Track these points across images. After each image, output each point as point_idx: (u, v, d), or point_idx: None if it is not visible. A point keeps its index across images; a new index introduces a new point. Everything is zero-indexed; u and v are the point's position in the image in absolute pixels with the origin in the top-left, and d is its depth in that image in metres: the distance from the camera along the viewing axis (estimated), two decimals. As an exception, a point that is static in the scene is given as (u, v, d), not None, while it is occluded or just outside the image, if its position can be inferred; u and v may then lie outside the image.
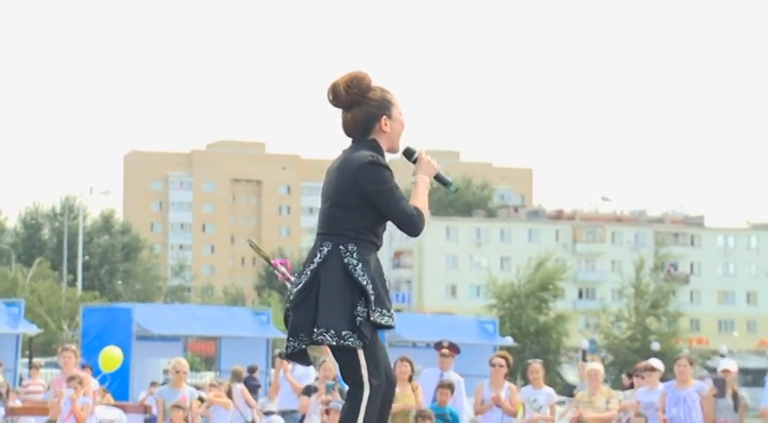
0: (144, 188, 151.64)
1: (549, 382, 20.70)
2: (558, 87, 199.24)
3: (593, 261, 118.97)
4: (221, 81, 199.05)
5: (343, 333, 6.22)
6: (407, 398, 15.02)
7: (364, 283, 6.27)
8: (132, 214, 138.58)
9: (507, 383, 16.42)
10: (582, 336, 72.33)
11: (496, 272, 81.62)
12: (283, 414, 20.28)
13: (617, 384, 37.66)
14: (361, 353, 6.29)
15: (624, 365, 56.44)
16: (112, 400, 25.12)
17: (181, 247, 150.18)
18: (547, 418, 16.74)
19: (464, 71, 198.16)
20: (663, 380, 17.21)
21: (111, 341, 33.04)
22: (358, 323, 6.24)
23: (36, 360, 38.19)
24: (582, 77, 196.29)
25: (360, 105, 6.52)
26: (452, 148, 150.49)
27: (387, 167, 6.42)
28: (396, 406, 12.92)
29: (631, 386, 17.12)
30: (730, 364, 16.71)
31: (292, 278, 6.92)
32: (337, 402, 14.31)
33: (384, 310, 6.30)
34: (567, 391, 32.49)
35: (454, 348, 16.51)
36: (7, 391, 26.91)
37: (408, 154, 6.66)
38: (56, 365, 35.93)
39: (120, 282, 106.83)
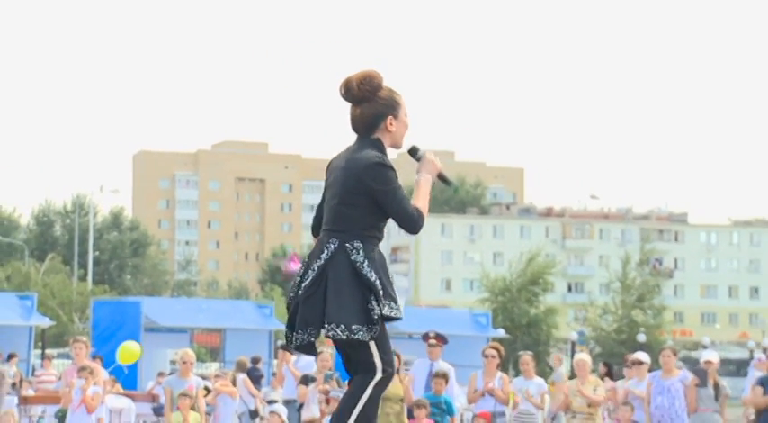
0: (152, 186, 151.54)
1: (540, 373, 20.72)
2: (549, 91, 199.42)
3: (581, 256, 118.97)
4: (226, 85, 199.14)
5: (353, 327, 6.27)
6: (396, 388, 15.05)
7: (372, 279, 6.32)
8: (140, 211, 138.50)
9: (499, 373, 16.45)
10: (571, 328, 72.31)
11: (489, 267, 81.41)
12: (287, 403, 20.28)
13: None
14: (373, 343, 6.36)
15: (611, 356, 56.41)
16: (122, 390, 25.13)
17: (187, 243, 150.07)
18: (537, 405, 16.79)
19: (459, 75, 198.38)
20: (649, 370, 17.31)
21: (121, 333, 33.07)
22: (373, 318, 6.29)
23: (48, 351, 38.14)
24: (572, 83, 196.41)
25: (369, 102, 6.54)
26: (448, 149, 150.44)
27: (392, 168, 6.46)
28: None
29: (606, 374, 17.23)
30: (712, 356, 16.73)
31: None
32: (337, 391, 14.29)
33: (392, 303, 6.37)
34: (556, 381, 32.58)
35: (441, 338, 16.55)
36: (21, 381, 26.91)
37: (413, 152, 6.68)
38: (67, 356, 35.95)
39: (128, 276, 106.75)
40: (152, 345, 33.02)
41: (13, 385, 24.90)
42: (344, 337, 6.28)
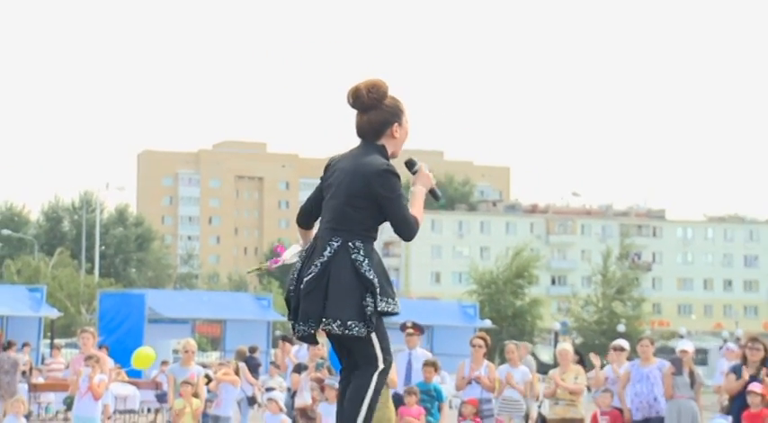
0: (155, 184, 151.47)
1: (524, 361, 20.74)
2: (534, 94, 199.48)
3: (564, 251, 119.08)
4: (227, 87, 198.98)
5: (349, 323, 6.33)
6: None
7: (371, 277, 6.38)
8: (145, 208, 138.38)
9: (486, 362, 16.48)
10: (554, 319, 72.34)
11: (477, 260, 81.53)
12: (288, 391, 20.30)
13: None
14: (374, 336, 6.43)
15: (593, 346, 56.48)
16: (126, 378, 25.12)
17: (189, 238, 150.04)
18: (521, 391, 16.82)
19: (448, 77, 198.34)
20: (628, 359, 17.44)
21: (126, 324, 33.09)
22: (367, 314, 6.36)
23: (57, 341, 38.14)
24: (557, 87, 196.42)
25: (376, 109, 6.56)
26: (437, 148, 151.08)
27: (398, 176, 6.51)
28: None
29: (578, 362, 17.32)
30: (688, 345, 16.79)
31: (286, 257, 6.94)
32: (332, 380, 14.27)
33: (389, 299, 6.43)
34: (542, 369, 32.53)
35: (418, 328, 16.60)
36: (31, 369, 26.93)
37: (410, 165, 6.72)
38: (75, 346, 35.90)
39: (133, 269, 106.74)
40: (155, 335, 33.03)
41: (24, 373, 24.90)
42: (339, 333, 6.34)
